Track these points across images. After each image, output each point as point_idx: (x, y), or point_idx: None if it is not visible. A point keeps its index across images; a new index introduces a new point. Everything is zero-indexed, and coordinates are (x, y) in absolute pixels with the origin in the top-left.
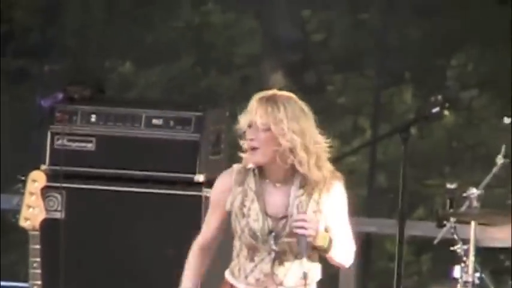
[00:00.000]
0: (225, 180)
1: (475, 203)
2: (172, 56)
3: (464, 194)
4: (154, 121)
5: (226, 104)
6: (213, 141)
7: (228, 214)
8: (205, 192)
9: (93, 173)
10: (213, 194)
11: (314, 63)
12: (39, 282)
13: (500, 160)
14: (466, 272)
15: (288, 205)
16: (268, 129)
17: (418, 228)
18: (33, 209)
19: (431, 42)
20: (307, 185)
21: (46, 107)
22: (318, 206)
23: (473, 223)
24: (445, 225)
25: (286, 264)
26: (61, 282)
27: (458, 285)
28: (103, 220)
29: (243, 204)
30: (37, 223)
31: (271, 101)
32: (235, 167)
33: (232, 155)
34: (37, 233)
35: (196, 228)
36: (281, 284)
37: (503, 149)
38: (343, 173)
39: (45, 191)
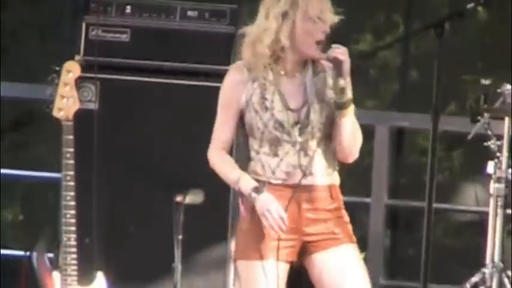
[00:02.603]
0: (237, 76)
1: (509, 99)
2: None
3: (499, 90)
4: (189, 13)
5: None
6: None
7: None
8: None
9: (128, 64)
10: (226, 91)
11: None
12: (71, 173)
13: None
14: (500, 168)
15: (305, 94)
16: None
17: (450, 124)
18: (67, 100)
19: None
20: (321, 72)
21: None
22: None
23: (507, 119)
24: (478, 121)
25: (310, 154)
26: (94, 172)
27: (492, 181)
28: (136, 111)
29: (263, 98)
30: (71, 113)
31: None
32: (243, 63)
33: None
34: (71, 123)
35: None
36: (310, 173)
37: None
38: (375, 67)
39: (79, 82)
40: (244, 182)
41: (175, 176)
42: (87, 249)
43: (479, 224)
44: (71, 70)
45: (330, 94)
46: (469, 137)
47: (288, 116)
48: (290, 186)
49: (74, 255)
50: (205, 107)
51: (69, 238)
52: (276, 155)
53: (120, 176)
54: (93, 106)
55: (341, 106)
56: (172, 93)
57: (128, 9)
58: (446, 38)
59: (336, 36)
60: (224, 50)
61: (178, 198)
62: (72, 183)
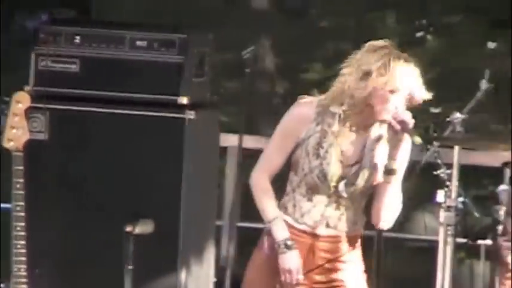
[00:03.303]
0: (306, 110)
1: (459, 128)
2: None
3: (448, 119)
4: (139, 43)
5: (210, 26)
6: (196, 64)
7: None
8: (188, 114)
9: (77, 94)
10: (290, 121)
11: None
12: (22, 203)
13: (484, 85)
14: (449, 197)
15: (361, 153)
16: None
17: None
18: (17, 130)
19: None
20: (382, 138)
21: (30, 28)
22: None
23: (456, 147)
24: (428, 149)
25: (341, 209)
26: (44, 203)
27: (442, 210)
28: (86, 141)
29: (319, 145)
30: (20, 144)
31: (412, 66)
32: (316, 100)
33: (215, 78)
34: (20, 154)
35: (179, 150)
36: (335, 227)
37: (487, 74)
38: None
39: (29, 112)
40: (277, 228)
41: (125, 206)
42: (38, 279)
43: (429, 253)
44: (21, 101)
45: (383, 163)
46: (419, 165)
47: (335, 170)
48: (310, 234)
49: (25, 286)
50: (155, 136)
51: (20, 269)
52: (310, 199)
53: (70, 206)
54: (42, 136)
55: (391, 172)
56: (121, 123)
57: (77, 39)
58: None
59: (287, 66)
60: (173, 79)
61: (128, 228)
62: (22, 214)
